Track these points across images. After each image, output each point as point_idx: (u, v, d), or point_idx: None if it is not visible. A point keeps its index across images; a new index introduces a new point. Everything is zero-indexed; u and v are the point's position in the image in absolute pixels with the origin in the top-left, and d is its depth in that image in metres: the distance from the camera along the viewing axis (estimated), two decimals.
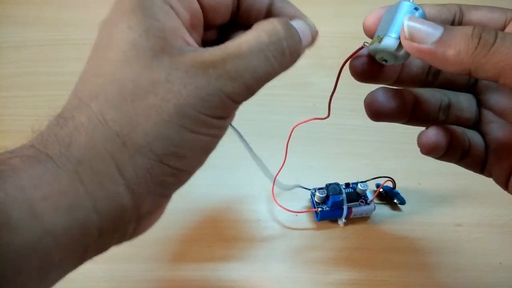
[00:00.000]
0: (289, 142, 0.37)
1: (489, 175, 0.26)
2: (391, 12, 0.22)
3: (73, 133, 0.18)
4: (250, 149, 0.30)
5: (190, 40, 0.20)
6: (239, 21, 0.23)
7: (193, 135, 0.19)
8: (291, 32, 0.20)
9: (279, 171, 0.37)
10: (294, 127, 0.34)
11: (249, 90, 0.20)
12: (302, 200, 0.40)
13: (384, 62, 0.23)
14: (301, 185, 0.39)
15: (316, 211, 0.38)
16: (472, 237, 0.39)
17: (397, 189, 0.40)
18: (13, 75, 0.48)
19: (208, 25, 0.22)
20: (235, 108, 0.20)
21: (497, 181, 0.25)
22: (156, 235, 0.37)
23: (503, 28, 0.22)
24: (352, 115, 0.46)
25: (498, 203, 0.41)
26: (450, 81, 0.25)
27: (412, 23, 0.20)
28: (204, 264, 0.36)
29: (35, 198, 0.17)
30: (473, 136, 0.25)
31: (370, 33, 0.23)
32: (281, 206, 0.38)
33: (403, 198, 0.39)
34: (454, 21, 0.23)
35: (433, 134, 0.23)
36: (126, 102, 0.18)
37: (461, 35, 0.19)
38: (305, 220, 0.39)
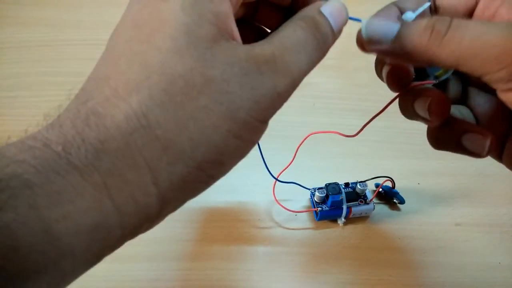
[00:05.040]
0: (289, 142, 0.38)
1: None
2: None
3: (106, 136, 0.15)
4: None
5: (235, 29, 0.18)
6: None
7: (237, 141, 0.17)
8: (319, 25, 0.19)
9: (282, 171, 0.37)
10: (308, 136, 0.35)
11: (294, 86, 0.19)
12: (302, 199, 0.40)
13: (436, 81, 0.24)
14: (299, 183, 0.39)
15: (315, 211, 0.38)
16: (471, 237, 0.39)
17: (397, 188, 0.40)
18: (14, 76, 0.49)
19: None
20: (279, 108, 0.19)
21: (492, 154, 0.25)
22: (156, 235, 0.37)
23: (473, 10, 0.22)
24: (352, 115, 0.47)
25: (497, 203, 0.41)
26: None
27: (368, 27, 0.20)
28: (204, 263, 0.36)
29: (52, 218, 0.14)
30: (463, 112, 0.25)
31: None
32: (281, 205, 0.38)
33: (402, 198, 0.40)
34: (431, 6, 0.23)
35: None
36: (174, 102, 0.16)
37: (414, 29, 0.19)
38: (305, 220, 0.39)
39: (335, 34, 0.20)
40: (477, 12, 0.22)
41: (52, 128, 0.16)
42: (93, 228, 0.15)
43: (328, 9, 0.20)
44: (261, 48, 0.18)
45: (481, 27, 0.18)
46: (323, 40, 0.19)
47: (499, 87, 0.19)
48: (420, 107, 0.23)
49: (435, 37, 0.19)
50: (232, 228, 0.38)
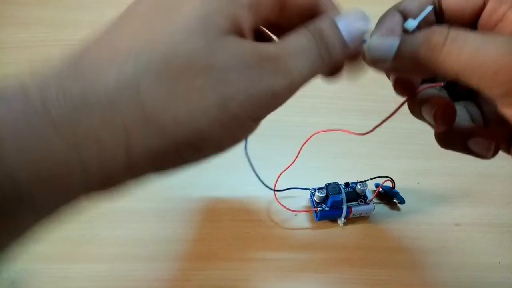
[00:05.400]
0: (289, 142, 0.38)
1: None
2: None
3: (90, 93, 0.15)
4: (248, 149, 0.31)
5: (248, 32, 0.19)
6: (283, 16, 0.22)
7: (221, 132, 0.17)
8: (324, 35, 0.20)
9: (283, 171, 0.37)
10: (312, 135, 0.35)
11: (292, 90, 0.19)
12: (302, 199, 0.40)
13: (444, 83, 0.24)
14: (299, 186, 0.39)
15: (315, 211, 0.38)
16: (471, 237, 0.39)
17: (396, 188, 0.40)
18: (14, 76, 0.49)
19: None
20: (272, 109, 0.19)
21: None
22: (156, 235, 0.37)
23: (479, 12, 0.22)
24: (352, 115, 0.47)
25: (497, 203, 0.41)
26: None
27: (369, 47, 0.20)
28: (204, 263, 0.36)
29: (16, 167, 0.15)
30: (470, 108, 0.25)
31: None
32: (281, 204, 0.38)
33: (402, 198, 0.40)
34: (435, 7, 0.23)
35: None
36: (170, 77, 0.16)
37: (412, 44, 0.19)
38: (305, 220, 0.39)
39: (346, 46, 0.20)
40: (484, 15, 0.22)
41: (36, 77, 0.16)
42: (54, 179, 0.15)
43: (343, 21, 0.20)
44: (266, 47, 0.18)
45: (480, 40, 0.18)
46: (327, 50, 0.20)
47: (497, 102, 0.19)
48: (427, 113, 0.23)
49: (432, 50, 0.19)
50: (232, 228, 0.38)
